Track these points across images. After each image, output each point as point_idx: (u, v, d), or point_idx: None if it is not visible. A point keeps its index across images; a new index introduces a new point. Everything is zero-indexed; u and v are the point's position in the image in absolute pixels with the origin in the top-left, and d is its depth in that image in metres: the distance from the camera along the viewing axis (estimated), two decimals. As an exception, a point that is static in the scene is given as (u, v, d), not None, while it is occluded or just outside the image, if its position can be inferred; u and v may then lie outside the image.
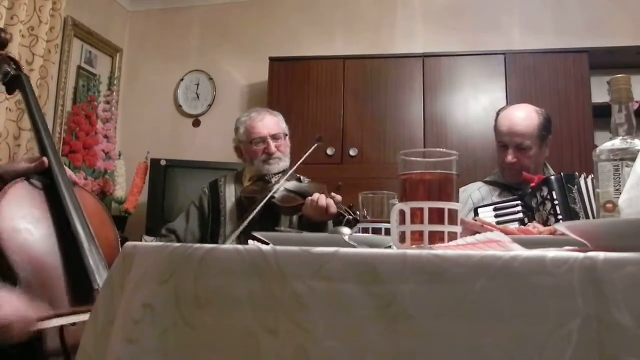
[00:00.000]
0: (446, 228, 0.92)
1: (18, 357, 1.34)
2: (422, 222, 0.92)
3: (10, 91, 2.02)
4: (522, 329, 0.66)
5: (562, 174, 1.97)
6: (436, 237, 0.92)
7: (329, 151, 3.85)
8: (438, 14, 4.32)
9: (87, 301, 1.44)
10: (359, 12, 4.46)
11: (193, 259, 0.84)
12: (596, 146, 1.16)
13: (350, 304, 0.73)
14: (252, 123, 2.45)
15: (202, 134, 4.63)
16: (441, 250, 0.75)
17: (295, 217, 2.39)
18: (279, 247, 0.81)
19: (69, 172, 1.81)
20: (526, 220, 2.03)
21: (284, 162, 2.44)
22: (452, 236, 0.92)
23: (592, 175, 1.75)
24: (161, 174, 4.04)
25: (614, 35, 3.83)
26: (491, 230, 0.92)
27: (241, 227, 2.16)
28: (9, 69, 1.98)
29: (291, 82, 4.07)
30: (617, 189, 1.06)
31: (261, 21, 4.63)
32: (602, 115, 3.40)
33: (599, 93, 3.54)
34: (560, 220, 1.85)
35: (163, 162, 4.06)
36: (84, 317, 1.36)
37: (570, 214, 1.88)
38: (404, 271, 0.72)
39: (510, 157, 2.22)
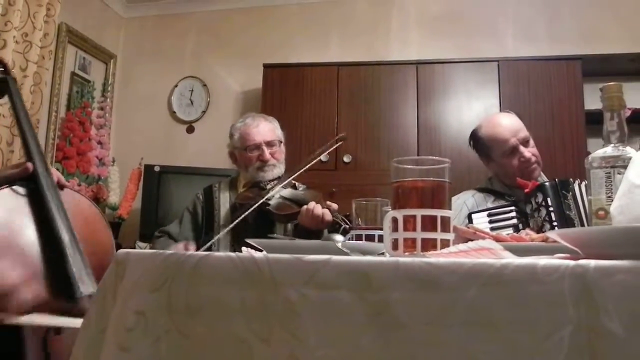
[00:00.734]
0: (439, 235, 0.92)
1: None
2: (414, 229, 0.92)
3: None
4: (513, 337, 0.67)
5: (556, 180, 1.96)
6: (429, 245, 0.92)
7: (323, 157, 3.83)
8: (432, 22, 4.33)
9: (70, 308, 1.43)
10: (354, 19, 4.48)
11: (186, 267, 0.84)
12: (589, 153, 1.16)
13: (342, 311, 0.73)
14: (247, 129, 2.43)
15: (196, 141, 4.63)
16: (433, 258, 0.75)
17: (290, 225, 2.38)
18: (271, 255, 0.81)
19: (58, 175, 1.78)
20: (520, 226, 2.02)
21: (279, 170, 2.42)
22: (445, 243, 0.92)
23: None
24: (155, 180, 4.04)
25: (607, 43, 3.85)
26: (483, 238, 0.92)
27: (230, 226, 2.15)
28: None
29: (285, 89, 4.08)
30: (609, 197, 1.06)
31: (255, 28, 4.63)
32: (595, 122, 3.40)
33: (592, 100, 3.55)
34: (556, 227, 1.85)
35: (157, 169, 4.06)
36: (71, 323, 1.35)
37: (566, 221, 1.88)
38: (396, 279, 0.72)
39: (527, 154, 2.20)
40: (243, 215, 2.15)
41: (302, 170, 2.30)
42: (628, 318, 0.63)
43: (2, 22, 3.24)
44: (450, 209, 0.96)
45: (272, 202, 2.27)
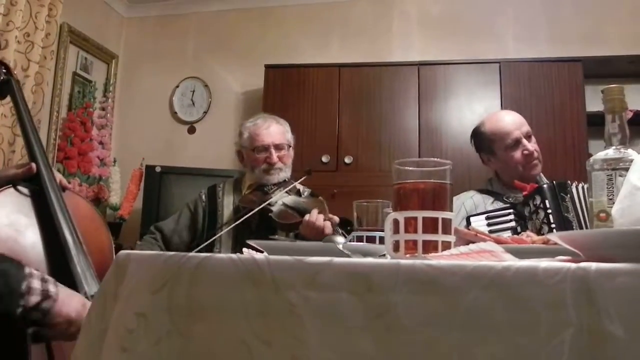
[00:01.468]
0: (440, 237, 0.92)
1: None
2: (416, 231, 0.92)
3: (1, 96, 1.99)
4: (514, 340, 0.66)
5: (554, 182, 1.97)
6: (430, 247, 0.92)
7: (324, 159, 3.86)
8: (434, 23, 4.34)
9: None
10: (355, 20, 4.48)
11: (187, 268, 0.83)
12: (590, 155, 1.16)
13: (344, 313, 0.73)
14: (257, 130, 2.41)
15: (198, 141, 4.63)
16: (435, 260, 0.75)
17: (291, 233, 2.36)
18: (272, 257, 0.81)
19: (59, 177, 1.79)
20: (519, 229, 2.03)
21: (285, 173, 2.41)
22: (446, 245, 0.92)
23: (585, 184, 1.77)
24: (156, 181, 4.04)
25: (609, 45, 3.85)
26: (485, 240, 0.92)
27: (231, 226, 2.14)
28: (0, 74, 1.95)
29: (287, 90, 4.08)
30: (611, 199, 1.06)
31: (257, 28, 4.64)
32: (596, 123, 3.41)
33: (593, 102, 3.56)
34: (554, 230, 1.85)
35: (158, 169, 4.06)
36: None
37: (564, 223, 1.88)
38: (398, 281, 0.72)
39: (530, 147, 2.23)
40: (244, 218, 2.14)
41: (288, 188, 2.33)
42: (629, 321, 0.63)
43: (4, 22, 3.25)
44: (452, 211, 0.96)
45: (274, 209, 2.25)
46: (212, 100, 4.69)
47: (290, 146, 2.46)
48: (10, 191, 1.63)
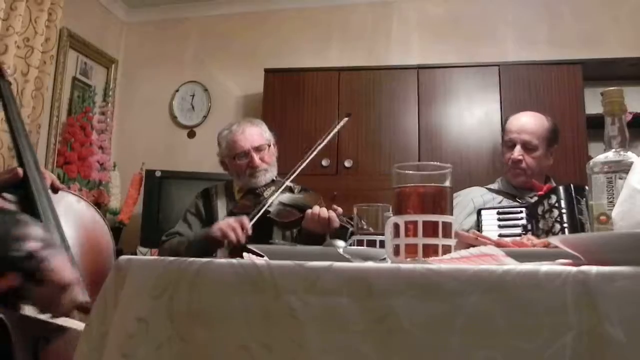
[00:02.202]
0: (440, 241, 0.92)
1: None
2: (416, 235, 0.92)
3: None
4: (515, 343, 0.66)
5: (571, 184, 1.96)
6: (430, 250, 0.92)
7: (324, 162, 3.85)
8: (433, 26, 4.34)
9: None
10: (354, 24, 4.48)
11: (187, 274, 0.84)
12: (590, 157, 1.16)
13: (344, 318, 0.73)
14: (234, 137, 2.38)
15: (197, 146, 4.63)
16: (435, 264, 0.75)
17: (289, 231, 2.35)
18: (273, 262, 0.81)
19: (52, 178, 1.77)
20: (529, 227, 2.02)
21: (271, 173, 2.39)
22: (447, 249, 0.92)
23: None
24: (156, 185, 4.04)
25: (608, 47, 3.85)
26: (485, 244, 0.92)
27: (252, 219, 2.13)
28: None
29: (286, 94, 4.08)
30: (611, 202, 1.06)
31: (256, 33, 4.64)
32: (596, 126, 3.41)
33: (593, 104, 3.55)
34: (566, 229, 1.84)
35: (158, 174, 4.06)
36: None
37: (576, 224, 1.87)
38: (398, 285, 0.72)
39: (516, 154, 2.26)
40: (254, 220, 2.14)
41: (310, 157, 2.29)
42: (630, 324, 0.63)
43: (3, 27, 3.25)
44: (452, 214, 0.96)
45: (272, 209, 2.24)
46: (212, 104, 4.68)
47: (270, 145, 2.44)
48: None
